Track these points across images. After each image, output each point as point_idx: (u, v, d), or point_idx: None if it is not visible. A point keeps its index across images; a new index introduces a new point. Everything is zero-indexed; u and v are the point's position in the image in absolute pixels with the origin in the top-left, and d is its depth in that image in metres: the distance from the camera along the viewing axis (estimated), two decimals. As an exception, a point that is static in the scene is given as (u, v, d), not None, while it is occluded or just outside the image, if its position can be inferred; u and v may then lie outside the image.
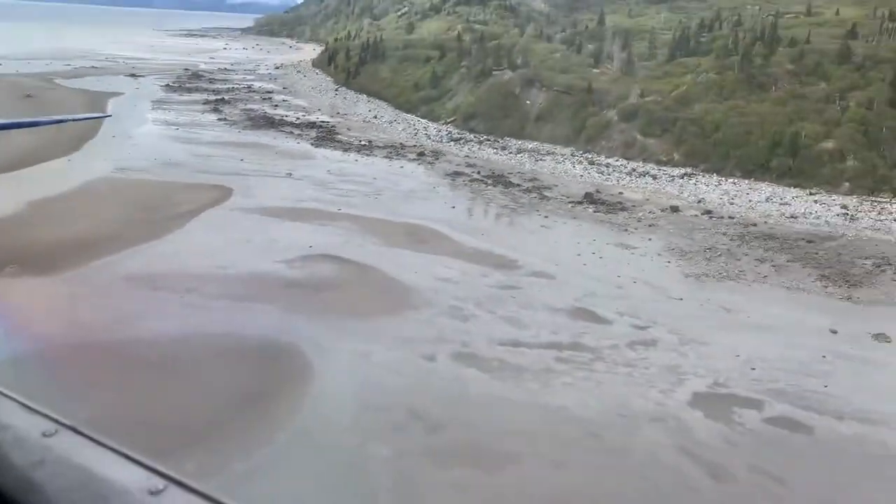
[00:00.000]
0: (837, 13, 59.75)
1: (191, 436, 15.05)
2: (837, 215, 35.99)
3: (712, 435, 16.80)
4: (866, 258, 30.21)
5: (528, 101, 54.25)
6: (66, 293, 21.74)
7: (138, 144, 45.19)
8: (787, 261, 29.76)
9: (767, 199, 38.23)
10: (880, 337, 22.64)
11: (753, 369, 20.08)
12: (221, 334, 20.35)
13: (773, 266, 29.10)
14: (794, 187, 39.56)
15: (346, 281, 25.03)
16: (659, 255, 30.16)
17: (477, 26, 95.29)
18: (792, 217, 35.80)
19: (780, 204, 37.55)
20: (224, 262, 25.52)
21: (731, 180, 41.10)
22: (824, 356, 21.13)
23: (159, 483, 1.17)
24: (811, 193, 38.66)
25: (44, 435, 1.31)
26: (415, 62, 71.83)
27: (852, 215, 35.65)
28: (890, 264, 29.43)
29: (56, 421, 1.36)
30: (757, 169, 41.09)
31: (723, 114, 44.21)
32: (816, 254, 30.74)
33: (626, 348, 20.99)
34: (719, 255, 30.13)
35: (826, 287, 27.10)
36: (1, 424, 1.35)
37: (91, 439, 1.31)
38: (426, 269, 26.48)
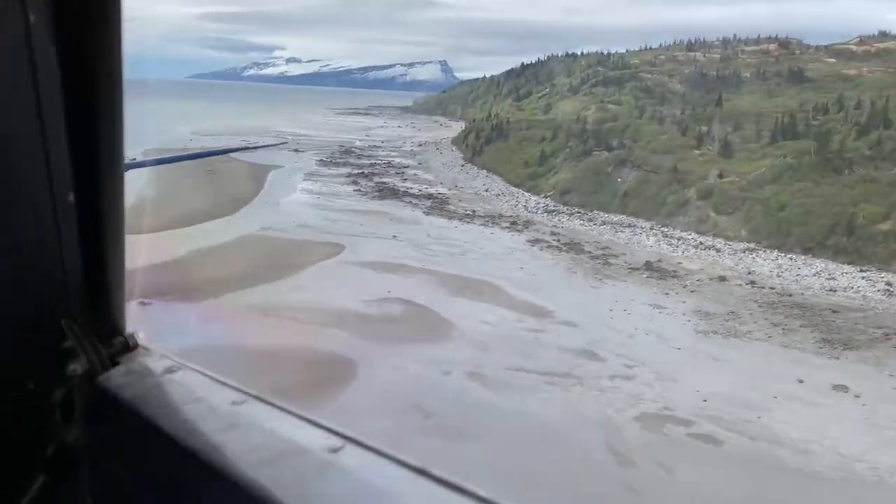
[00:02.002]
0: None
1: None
2: (878, 291, 38.71)
3: (638, 439, 22.09)
4: (880, 328, 33.28)
5: (619, 179, 59.97)
6: (201, 316, 30.53)
7: (283, 210, 55.57)
8: (801, 326, 33.52)
9: (815, 274, 41.48)
10: (839, 388, 26.49)
11: (705, 401, 24.91)
12: (303, 348, 28.10)
13: (784, 329, 33.03)
14: (848, 265, 42.38)
15: (406, 318, 32.24)
16: (684, 314, 34.93)
17: (610, 106, 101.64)
18: (831, 290, 38.99)
19: (827, 279, 40.72)
20: (320, 299, 33.61)
21: (789, 256, 44.51)
22: (775, 397, 25.47)
23: (337, 442, 1.29)
24: (861, 270, 41.41)
25: (233, 403, 1.48)
26: (531, 141, 79.50)
27: (889, 291, 38.26)
28: (902, 335, 32.38)
29: (243, 392, 1.53)
30: (815, 246, 44.27)
31: (790, 195, 47.78)
32: (833, 322, 34.16)
33: (606, 379, 26.48)
34: (738, 318, 34.41)
35: (821, 348, 30.82)
36: (195, 396, 1.54)
37: (275, 406, 1.47)
38: (473, 314, 33.15)
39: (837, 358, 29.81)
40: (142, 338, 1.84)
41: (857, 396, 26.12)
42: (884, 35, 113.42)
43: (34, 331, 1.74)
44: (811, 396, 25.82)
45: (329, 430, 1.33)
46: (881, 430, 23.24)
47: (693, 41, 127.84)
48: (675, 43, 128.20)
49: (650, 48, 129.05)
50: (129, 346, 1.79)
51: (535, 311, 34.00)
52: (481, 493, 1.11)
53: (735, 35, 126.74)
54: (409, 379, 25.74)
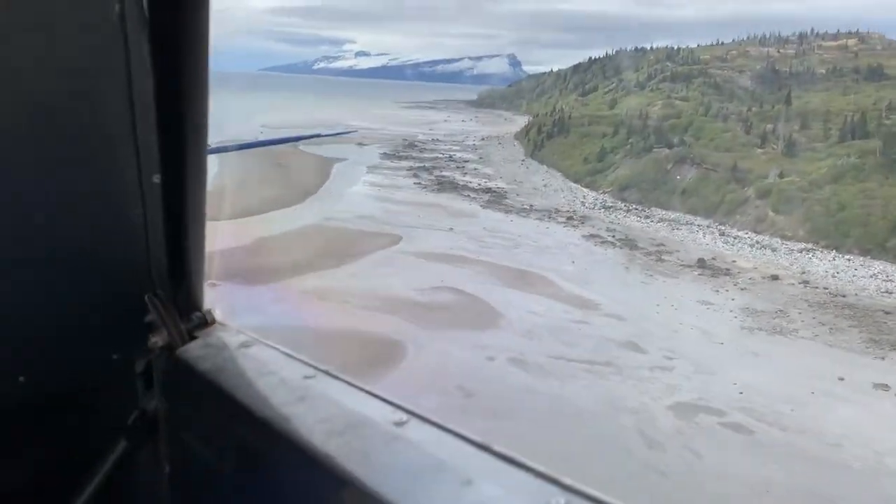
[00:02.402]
0: None
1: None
2: (937, 294, 38.14)
3: (669, 426, 23.02)
4: (932, 330, 32.99)
5: (678, 177, 59.96)
6: (264, 298, 32.71)
7: (346, 201, 57.78)
8: (849, 326, 33.53)
9: (872, 276, 41.04)
10: (880, 386, 26.68)
11: (741, 394, 25.57)
12: (357, 331, 29.92)
13: (831, 328, 33.13)
14: (909, 267, 41.76)
15: (456, 306, 33.72)
16: (731, 311, 35.33)
17: (677, 103, 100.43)
18: (887, 292, 38.60)
19: (884, 280, 40.26)
20: (374, 287, 35.42)
21: (847, 257, 44.06)
22: (812, 393, 25.91)
23: (403, 416, 1.32)
24: (922, 273, 40.79)
25: (304, 378, 1.54)
26: (592, 137, 79.79)
27: (951, 294, 37.67)
28: (953, 337, 32.07)
29: (314, 367, 1.59)
30: (875, 248, 43.69)
31: (851, 195, 47.17)
32: (885, 323, 34.01)
33: (646, 370, 27.39)
34: (786, 316, 34.61)
35: (868, 348, 30.87)
36: (268, 370, 1.61)
37: (344, 381, 1.52)
38: (522, 304, 34.39)
39: (883, 358, 29.86)
40: (218, 314, 1.93)
41: (899, 396, 26.31)
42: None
43: (119, 305, 1.85)
44: (849, 393, 26.14)
45: (395, 405, 1.38)
46: (918, 429, 23.51)
47: (766, 36, 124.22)
48: (748, 38, 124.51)
49: (722, 43, 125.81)
50: (207, 322, 1.88)
51: (582, 304, 34.99)
52: (541, 469, 1.13)
53: (812, 29, 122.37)
54: (455, 362, 27.21)
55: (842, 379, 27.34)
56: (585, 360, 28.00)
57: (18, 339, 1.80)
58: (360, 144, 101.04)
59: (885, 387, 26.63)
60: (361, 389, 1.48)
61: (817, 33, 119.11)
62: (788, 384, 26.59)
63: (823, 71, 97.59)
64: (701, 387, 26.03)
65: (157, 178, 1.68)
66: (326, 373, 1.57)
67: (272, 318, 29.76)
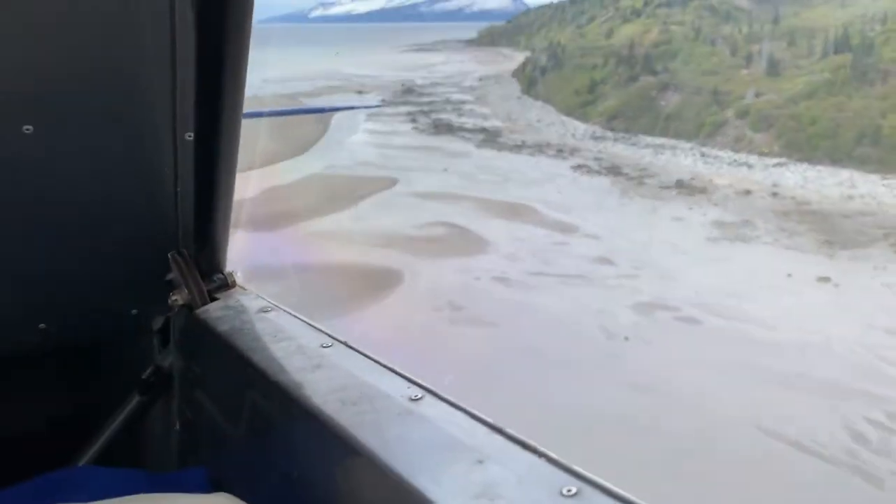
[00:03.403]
0: None
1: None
2: (895, 196, 41.06)
3: (629, 321, 26.67)
4: (882, 229, 36.11)
5: (662, 103, 62.40)
6: (274, 242, 36.36)
7: (346, 149, 60.97)
8: (807, 230, 36.72)
9: (838, 184, 43.93)
10: (822, 279, 30.06)
11: (696, 293, 29.06)
12: (360, 263, 33.58)
13: (790, 234, 36.36)
14: (874, 174, 44.54)
15: (448, 237, 37.24)
16: (701, 225, 38.57)
17: (673, 28, 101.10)
18: (849, 198, 41.59)
19: (848, 187, 43.17)
20: (374, 226, 38.98)
21: (818, 168, 46.87)
22: (761, 287, 29.34)
23: (418, 392, 1.33)
24: (884, 178, 43.58)
25: (322, 346, 1.56)
26: (584, 69, 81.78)
27: (906, 195, 40.61)
28: (901, 233, 35.20)
29: (331, 336, 1.60)
30: (843, 158, 46.43)
31: (822, 109, 49.66)
32: (840, 225, 37.14)
33: (612, 279, 30.92)
34: (751, 226, 37.82)
35: (821, 248, 34.13)
36: (286, 335, 1.64)
37: (361, 353, 1.53)
38: (508, 232, 37.82)
39: (831, 256, 33.14)
40: (239, 277, 1.96)
41: (837, 286, 29.70)
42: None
43: (143, 260, 1.89)
44: (794, 287, 29.57)
45: (411, 380, 1.38)
46: (845, 311, 26.97)
47: None
48: None
49: None
50: (228, 284, 1.93)
51: (563, 228, 38.37)
52: (553, 455, 1.11)
53: None
54: (445, 283, 30.87)
55: (790, 275, 30.73)
56: (560, 275, 31.55)
57: (40, 287, 1.82)
58: (360, 92, 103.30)
59: (827, 279, 30.00)
60: (378, 363, 1.49)
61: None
62: (741, 283, 30.02)
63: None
64: (661, 290, 29.54)
65: (190, 136, 1.68)
66: (345, 344, 1.58)
67: (284, 258, 33.41)
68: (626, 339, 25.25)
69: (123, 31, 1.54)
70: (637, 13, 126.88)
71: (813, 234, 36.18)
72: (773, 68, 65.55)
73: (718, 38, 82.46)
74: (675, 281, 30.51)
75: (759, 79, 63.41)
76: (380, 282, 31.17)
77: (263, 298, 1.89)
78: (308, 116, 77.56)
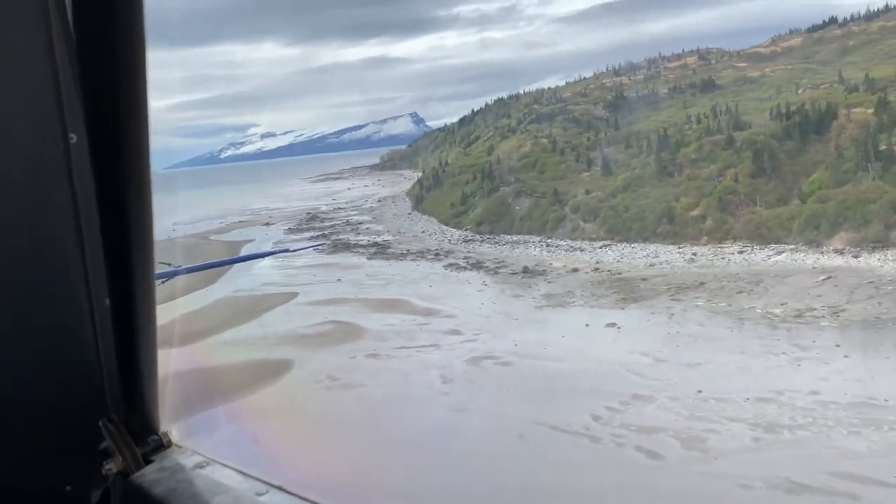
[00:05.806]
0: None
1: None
2: (685, 260, 52.95)
3: (462, 369, 36.06)
4: (669, 286, 47.36)
5: (517, 207, 74.72)
6: (190, 356, 44.53)
7: (252, 275, 69.79)
8: (612, 293, 47.62)
9: (646, 255, 55.74)
10: (610, 325, 40.45)
11: (515, 345, 38.86)
12: (259, 360, 42.02)
13: (598, 297, 47.14)
14: (672, 245, 56.68)
15: (334, 331, 46.34)
16: (533, 298, 49.05)
17: (542, 141, 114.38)
18: (650, 265, 53.23)
19: (652, 258, 54.95)
20: (274, 330, 47.70)
21: (633, 246, 58.84)
22: (563, 336, 39.42)
23: None
24: (679, 247, 55.70)
25: (257, 494, 1.59)
26: (458, 185, 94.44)
27: (692, 259, 52.52)
28: (678, 288, 46.45)
29: (266, 483, 1.63)
30: (651, 235, 58.64)
31: (633, 199, 62.45)
32: (638, 286, 48.24)
33: (457, 344, 40.47)
34: (572, 295, 48.50)
35: (617, 304, 44.86)
36: (222, 489, 1.66)
37: (296, 496, 1.57)
38: (384, 320, 47.24)
39: (623, 309, 43.86)
40: (175, 435, 1.94)
41: (619, 328, 40.17)
42: (791, 32, 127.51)
43: (73, 434, 1.83)
44: (588, 332, 39.83)
45: None
46: (617, 344, 37.19)
47: (619, 65, 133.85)
48: (606, 69, 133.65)
49: (583, 78, 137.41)
50: (164, 444, 1.90)
51: (427, 312, 48.11)
52: None
53: (659, 53, 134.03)
54: (327, 364, 39.73)
55: (587, 325, 41.04)
56: (419, 346, 40.97)
57: None
58: (267, 224, 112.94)
59: (613, 324, 40.44)
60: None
61: (663, 56, 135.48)
62: (548, 335, 40.09)
63: (666, 90, 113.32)
64: (491, 346, 39.25)
65: (107, 301, 1.66)
66: (279, 489, 1.60)
67: (195, 361, 41.56)
68: (453, 381, 34.58)
69: (25, 196, 1.59)
70: (512, 130, 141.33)
71: (615, 294, 47.05)
72: (607, 169, 79.31)
73: (568, 147, 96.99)
74: (504, 339, 40.33)
75: (596, 178, 76.87)
76: (275, 370, 39.75)
77: (199, 454, 1.91)
78: (219, 251, 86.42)
